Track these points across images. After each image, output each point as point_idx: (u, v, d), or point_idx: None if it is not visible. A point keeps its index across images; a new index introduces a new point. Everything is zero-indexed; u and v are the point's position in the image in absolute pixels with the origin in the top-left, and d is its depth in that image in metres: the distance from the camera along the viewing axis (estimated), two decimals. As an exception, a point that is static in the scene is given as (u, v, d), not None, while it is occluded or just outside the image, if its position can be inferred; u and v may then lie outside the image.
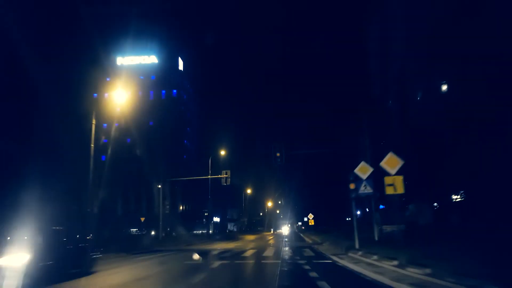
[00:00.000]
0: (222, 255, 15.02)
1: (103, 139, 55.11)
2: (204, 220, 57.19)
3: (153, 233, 40.85)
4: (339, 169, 36.31)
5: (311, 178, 54.95)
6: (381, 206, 45.70)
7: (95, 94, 60.73)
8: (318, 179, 50.40)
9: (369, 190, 12.51)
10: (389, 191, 10.31)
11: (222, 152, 40.80)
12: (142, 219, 42.56)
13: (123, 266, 11.93)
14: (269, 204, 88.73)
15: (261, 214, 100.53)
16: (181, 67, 62.81)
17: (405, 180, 22.10)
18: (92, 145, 22.54)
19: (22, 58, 38.43)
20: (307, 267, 10.03)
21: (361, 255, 11.13)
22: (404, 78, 36.17)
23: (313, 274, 8.59)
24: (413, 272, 7.34)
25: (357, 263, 9.86)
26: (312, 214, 58.85)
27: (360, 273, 8.46)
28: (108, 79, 61.31)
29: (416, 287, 6.11)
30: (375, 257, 9.89)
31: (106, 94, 61.85)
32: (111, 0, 64.95)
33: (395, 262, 8.49)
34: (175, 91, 60.15)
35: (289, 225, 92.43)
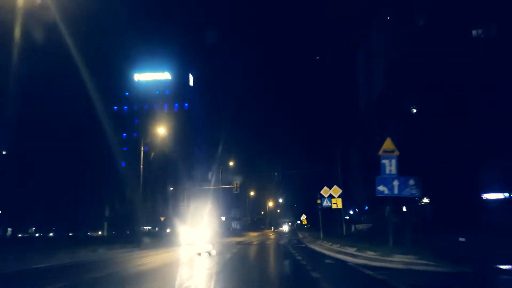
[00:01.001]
0: (239, 244, 24.05)
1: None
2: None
3: (168, 230, 49.27)
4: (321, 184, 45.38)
5: (305, 189, 63.88)
6: (366, 207, 54.93)
7: (115, 107, 69.79)
8: (309, 189, 59.22)
9: (328, 204, 21.53)
10: (334, 206, 19.37)
11: (231, 163, 49.75)
12: (162, 218, 50.90)
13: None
14: (270, 204, 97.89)
15: (262, 213, 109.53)
16: (191, 82, 71.86)
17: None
18: (142, 166, 31.78)
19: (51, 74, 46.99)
20: (289, 247, 19.06)
21: (320, 242, 20.17)
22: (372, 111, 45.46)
23: (291, 249, 17.61)
24: (335, 246, 16.33)
25: (316, 245, 18.91)
26: (310, 214, 68.03)
27: (314, 248, 17.49)
28: (127, 93, 70.39)
29: (330, 250, 15.08)
30: (325, 241, 18.94)
31: (125, 107, 70.83)
32: (129, 24, 73.70)
33: (331, 243, 17.52)
34: (186, 104, 69.22)
35: (290, 223, 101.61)
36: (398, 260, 10.04)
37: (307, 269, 9.74)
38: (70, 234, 52.01)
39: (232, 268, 10.38)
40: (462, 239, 12.39)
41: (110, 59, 66.45)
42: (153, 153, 39.40)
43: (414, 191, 11.62)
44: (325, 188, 21.61)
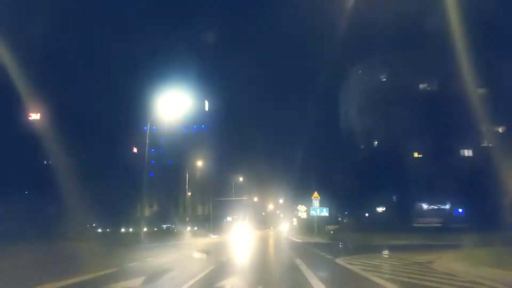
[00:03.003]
0: (252, 235, 42.39)
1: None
2: (225, 219, 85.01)
3: (188, 228, 66.60)
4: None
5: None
6: (346, 212, 72.99)
7: (146, 127, 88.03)
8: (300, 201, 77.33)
9: (301, 214, 39.91)
10: (302, 216, 37.80)
11: (240, 179, 68.17)
12: (187, 218, 68.03)
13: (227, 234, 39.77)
14: (271, 206, 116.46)
15: (263, 214, 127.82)
16: (207, 108, 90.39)
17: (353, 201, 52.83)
18: (186, 186, 50.25)
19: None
20: (277, 237, 37.48)
21: (298, 236, 38.55)
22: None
23: (277, 238, 36.04)
24: (298, 236, 34.71)
25: (295, 237, 37.33)
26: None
27: (288, 237, 35.91)
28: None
29: (294, 238, 33.48)
30: (298, 235, 37.36)
31: (153, 128, 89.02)
32: (155, 57, 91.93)
33: (298, 235, 35.93)
34: (203, 126, 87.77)
35: (288, 224, 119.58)
36: (313, 239, 28.46)
37: (279, 241, 28.12)
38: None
39: (257, 238, 28.91)
40: (331, 231, 30.91)
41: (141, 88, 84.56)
42: (198, 173, 57.72)
43: (326, 214, 30.06)
44: (300, 205, 39.99)
